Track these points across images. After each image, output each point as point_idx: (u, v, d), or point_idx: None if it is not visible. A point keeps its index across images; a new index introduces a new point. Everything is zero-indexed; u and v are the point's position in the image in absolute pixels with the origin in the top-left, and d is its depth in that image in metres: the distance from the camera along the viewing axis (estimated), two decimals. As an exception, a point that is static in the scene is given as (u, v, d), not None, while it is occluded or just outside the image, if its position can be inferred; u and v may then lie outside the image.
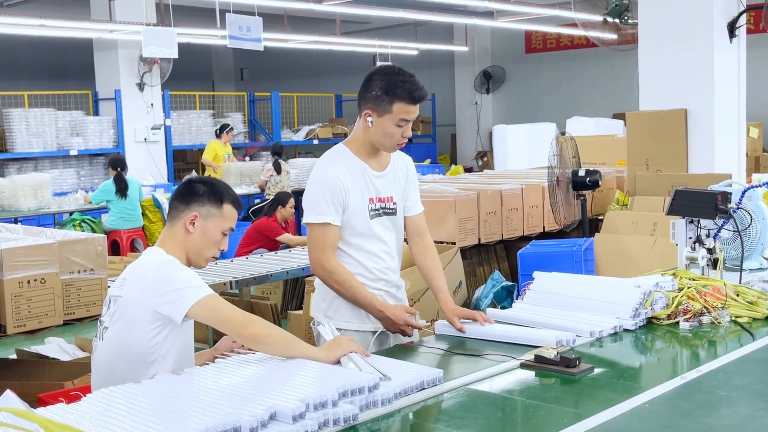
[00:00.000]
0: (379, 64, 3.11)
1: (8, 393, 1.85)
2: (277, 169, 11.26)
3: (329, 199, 3.06)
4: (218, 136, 12.83)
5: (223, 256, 6.80)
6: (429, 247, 3.34)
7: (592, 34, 9.55)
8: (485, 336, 2.97)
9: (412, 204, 3.32)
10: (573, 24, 10.89)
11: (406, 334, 3.13)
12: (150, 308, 2.61)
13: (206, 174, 12.63)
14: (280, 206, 8.28)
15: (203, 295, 2.58)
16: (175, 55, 11.19)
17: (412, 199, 3.32)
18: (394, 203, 3.21)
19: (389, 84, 2.99)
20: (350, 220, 3.11)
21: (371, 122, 3.06)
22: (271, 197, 9.73)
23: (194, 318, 2.65)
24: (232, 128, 13.05)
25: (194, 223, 2.79)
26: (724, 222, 3.54)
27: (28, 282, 4.16)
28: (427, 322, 3.31)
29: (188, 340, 2.80)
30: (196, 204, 2.81)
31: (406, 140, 3.12)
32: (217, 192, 2.84)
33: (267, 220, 8.23)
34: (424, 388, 2.36)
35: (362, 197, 3.11)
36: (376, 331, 3.17)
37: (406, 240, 3.37)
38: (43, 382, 4.53)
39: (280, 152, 11.83)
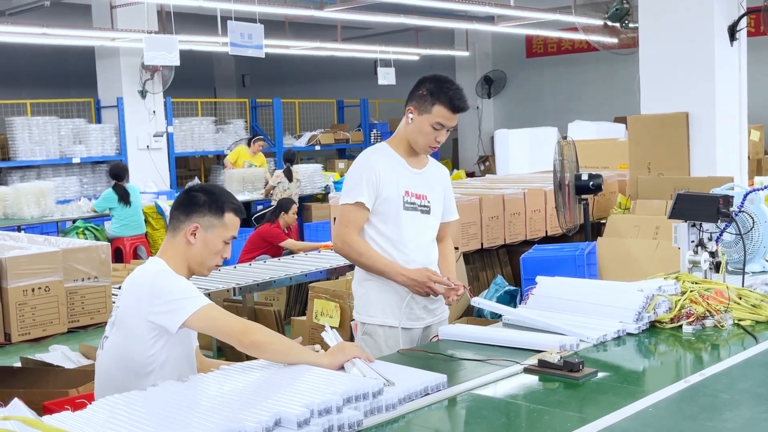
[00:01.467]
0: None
1: (16, 401, 1.86)
2: (289, 176, 11.26)
3: (364, 180, 3.24)
4: (249, 144, 12.92)
5: (226, 262, 6.78)
6: (451, 249, 3.55)
7: (593, 38, 9.56)
8: (489, 341, 2.98)
9: (449, 211, 3.52)
10: (574, 28, 10.90)
11: (436, 293, 3.24)
12: (145, 318, 2.60)
13: (221, 175, 12.75)
14: (283, 212, 8.30)
15: (200, 306, 2.56)
16: (177, 63, 11.21)
17: (448, 207, 3.50)
18: (428, 202, 3.35)
19: (436, 88, 3.22)
20: (382, 207, 3.26)
21: (411, 119, 3.27)
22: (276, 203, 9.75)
23: (192, 328, 2.63)
24: (259, 139, 13.07)
25: (195, 234, 2.76)
26: (727, 225, 3.54)
27: (33, 290, 4.17)
28: (455, 284, 3.36)
29: (188, 349, 2.78)
30: (196, 215, 2.77)
31: (438, 146, 3.30)
32: (218, 201, 2.80)
33: (270, 226, 8.24)
34: (428, 394, 2.37)
35: (397, 187, 3.27)
36: (404, 327, 3.27)
37: None
38: (47, 389, 4.53)
39: (293, 159, 11.86)
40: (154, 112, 12.93)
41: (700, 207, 3.51)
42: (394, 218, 3.28)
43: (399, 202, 3.28)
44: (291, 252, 7.79)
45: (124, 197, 9.54)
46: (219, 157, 15.41)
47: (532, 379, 2.57)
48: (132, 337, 2.64)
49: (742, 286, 3.38)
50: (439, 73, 3.36)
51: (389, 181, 3.26)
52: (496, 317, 5.66)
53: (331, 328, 2.75)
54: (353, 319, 3.44)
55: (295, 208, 8.46)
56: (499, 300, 6.16)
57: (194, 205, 2.78)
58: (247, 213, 12.51)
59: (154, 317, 2.58)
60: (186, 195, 2.85)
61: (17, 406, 1.83)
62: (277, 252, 7.95)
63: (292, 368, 2.45)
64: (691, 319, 3.06)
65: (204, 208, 2.78)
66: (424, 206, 3.35)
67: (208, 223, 2.77)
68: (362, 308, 3.35)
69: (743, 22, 6.94)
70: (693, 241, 3.56)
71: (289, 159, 11.68)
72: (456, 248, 6.33)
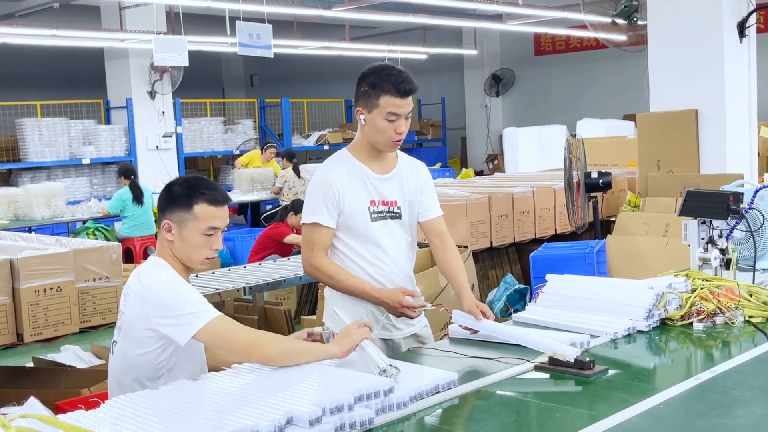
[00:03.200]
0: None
1: (32, 400, 1.87)
2: (297, 172, 11.27)
3: (321, 200, 3.08)
4: (262, 150, 12.91)
5: (237, 262, 6.78)
6: (449, 247, 3.29)
7: (602, 35, 9.54)
8: (500, 339, 2.97)
9: (428, 209, 3.27)
10: (582, 26, 10.88)
11: (409, 316, 3.10)
12: (151, 327, 2.55)
13: (230, 175, 12.76)
14: (292, 213, 8.30)
15: (207, 321, 2.48)
16: (186, 63, 11.25)
17: (428, 204, 3.27)
18: (399, 207, 3.18)
19: (376, 79, 3.01)
20: (349, 222, 3.10)
21: (364, 120, 3.07)
22: (284, 203, 9.78)
23: (200, 341, 2.58)
24: (271, 146, 12.99)
25: (171, 231, 2.67)
26: (737, 222, 3.54)
27: (44, 291, 4.19)
28: (433, 305, 3.23)
29: (199, 352, 2.76)
30: (168, 211, 2.68)
31: (402, 137, 3.07)
32: (188, 193, 2.67)
33: (278, 225, 8.26)
34: (438, 392, 2.37)
35: (361, 199, 3.11)
36: (381, 338, 3.15)
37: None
38: (60, 389, 4.56)
39: (294, 155, 11.85)
40: (163, 112, 12.98)
41: (710, 204, 3.51)
42: (364, 231, 3.11)
43: (365, 214, 3.10)
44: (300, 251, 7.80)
45: (138, 196, 9.57)
46: (228, 157, 15.46)
47: (543, 377, 2.58)
48: (139, 344, 2.61)
49: (753, 282, 3.38)
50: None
51: (351, 194, 3.08)
52: (506, 315, 5.66)
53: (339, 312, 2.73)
54: (326, 327, 3.16)
55: None
56: (509, 298, 6.16)
57: (167, 201, 2.70)
58: (256, 213, 12.55)
59: (161, 328, 2.54)
60: (164, 190, 2.76)
61: (33, 404, 1.85)
62: (286, 251, 7.97)
63: (304, 366, 2.46)
64: (701, 317, 3.05)
65: (173, 203, 2.67)
66: (394, 212, 3.16)
67: (179, 218, 2.66)
68: (337, 317, 3.09)
69: (753, 18, 6.92)
70: (703, 239, 3.55)
71: (292, 156, 11.65)
72: (465, 247, 6.35)
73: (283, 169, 11.77)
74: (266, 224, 9.58)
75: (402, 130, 3.05)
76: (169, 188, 2.73)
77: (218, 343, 2.55)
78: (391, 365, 2.36)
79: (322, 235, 3.09)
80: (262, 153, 12.83)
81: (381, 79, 3.00)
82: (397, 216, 3.18)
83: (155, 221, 10.07)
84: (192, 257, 2.68)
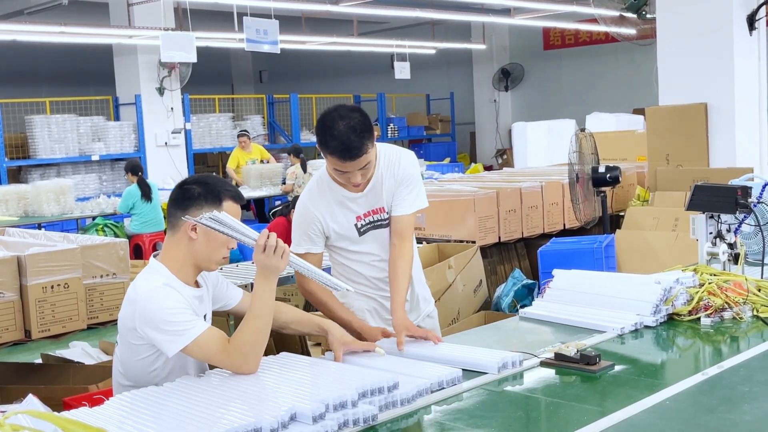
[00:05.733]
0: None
1: (30, 397, 1.87)
2: (304, 167, 11.26)
3: (302, 231, 3.09)
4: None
5: (245, 258, 6.75)
6: (405, 250, 3.10)
7: (611, 29, 9.51)
8: (428, 359, 2.70)
9: (398, 205, 3.11)
10: (591, 20, 10.85)
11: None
12: (140, 337, 2.50)
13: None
14: (293, 209, 8.25)
15: (192, 339, 2.41)
16: (194, 60, 11.26)
17: (399, 202, 3.11)
18: (387, 213, 3.13)
19: (324, 135, 2.87)
20: (339, 242, 3.11)
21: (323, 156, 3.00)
22: (295, 200, 9.76)
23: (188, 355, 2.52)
24: (241, 134, 12.88)
25: (196, 229, 2.57)
26: (745, 216, 3.50)
27: (52, 287, 4.21)
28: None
29: (193, 360, 2.67)
30: (194, 208, 2.58)
31: (359, 184, 2.98)
32: (213, 191, 2.61)
33: (281, 219, 8.26)
34: (443, 388, 2.37)
35: (346, 220, 3.08)
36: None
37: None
38: (68, 386, 4.57)
39: (300, 151, 11.84)
40: (171, 108, 13.00)
41: (718, 198, 3.47)
42: (354, 246, 3.11)
43: (353, 232, 3.09)
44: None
45: (147, 193, 9.58)
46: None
47: (549, 373, 2.56)
48: (132, 351, 2.57)
49: (761, 277, 3.36)
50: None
51: (333, 221, 3.07)
52: (514, 311, 5.65)
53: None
54: None
55: None
56: (517, 293, 6.14)
57: (189, 199, 2.60)
58: (264, 208, 12.57)
59: (148, 339, 2.49)
60: (180, 189, 2.67)
61: (31, 402, 1.85)
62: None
63: (308, 363, 2.47)
64: (709, 312, 3.03)
65: (200, 200, 2.59)
66: (382, 219, 3.12)
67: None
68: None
69: (763, 10, 6.87)
70: (711, 233, 3.53)
71: (299, 152, 11.64)
72: (473, 242, 6.33)
73: (291, 165, 11.76)
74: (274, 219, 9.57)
75: (357, 181, 2.95)
76: (187, 188, 2.64)
77: (202, 358, 2.52)
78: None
79: (313, 262, 3.00)
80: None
81: (325, 139, 2.86)
82: (385, 222, 3.13)
83: (164, 218, 10.12)
84: (212, 256, 2.61)
